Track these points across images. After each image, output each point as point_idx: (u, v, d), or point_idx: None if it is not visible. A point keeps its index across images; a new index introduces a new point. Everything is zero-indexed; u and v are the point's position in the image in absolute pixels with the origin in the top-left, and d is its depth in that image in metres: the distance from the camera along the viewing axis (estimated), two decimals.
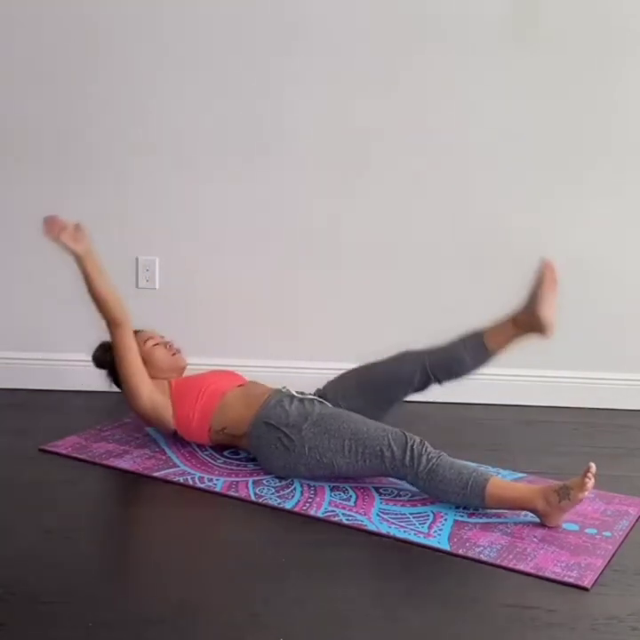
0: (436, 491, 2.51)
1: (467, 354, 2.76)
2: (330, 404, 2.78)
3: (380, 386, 2.84)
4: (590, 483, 2.34)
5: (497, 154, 3.37)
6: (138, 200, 3.45)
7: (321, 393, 2.88)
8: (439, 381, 2.82)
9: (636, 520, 2.52)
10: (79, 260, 2.75)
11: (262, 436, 2.71)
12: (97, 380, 3.47)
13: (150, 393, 2.84)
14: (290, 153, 3.39)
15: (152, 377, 2.89)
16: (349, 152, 3.39)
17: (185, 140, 3.40)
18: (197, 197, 3.44)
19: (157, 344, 2.98)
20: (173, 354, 2.99)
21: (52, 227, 2.73)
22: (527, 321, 2.72)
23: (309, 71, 3.33)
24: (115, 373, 2.93)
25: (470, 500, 2.47)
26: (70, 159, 3.42)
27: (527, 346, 3.47)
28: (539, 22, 3.28)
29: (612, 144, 3.36)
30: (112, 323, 2.80)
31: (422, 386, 2.83)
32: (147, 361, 2.90)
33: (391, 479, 2.68)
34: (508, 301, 3.44)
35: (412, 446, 2.53)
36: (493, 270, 3.43)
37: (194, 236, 3.48)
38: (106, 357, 2.95)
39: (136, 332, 2.92)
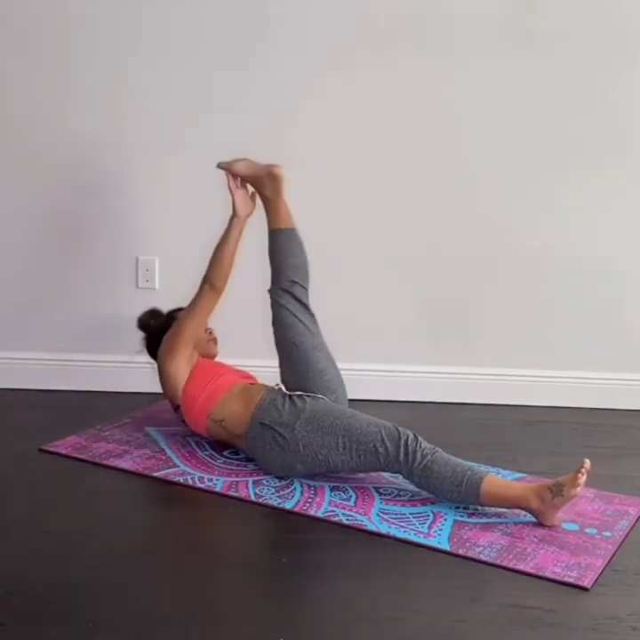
0: (431, 487, 2.52)
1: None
2: (323, 397, 2.75)
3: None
4: (582, 478, 2.34)
5: (497, 154, 3.36)
6: (138, 200, 3.45)
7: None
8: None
9: (636, 520, 2.51)
10: (233, 220, 2.91)
11: (258, 437, 2.71)
12: (97, 380, 3.48)
13: (182, 362, 2.88)
14: (289, 153, 3.39)
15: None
16: (347, 154, 3.39)
17: (185, 139, 3.39)
18: (197, 197, 3.44)
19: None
20: (208, 340, 3.04)
21: (234, 178, 2.94)
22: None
23: (309, 71, 3.33)
24: (151, 341, 3.00)
25: (465, 498, 2.47)
26: (70, 159, 3.42)
27: (527, 345, 3.50)
28: (539, 22, 3.29)
29: (612, 144, 3.35)
30: (211, 284, 2.91)
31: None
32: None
33: (390, 478, 2.69)
34: (508, 301, 3.47)
35: (406, 442, 2.53)
36: (496, 271, 3.44)
37: (194, 236, 3.47)
38: (150, 322, 3.05)
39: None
